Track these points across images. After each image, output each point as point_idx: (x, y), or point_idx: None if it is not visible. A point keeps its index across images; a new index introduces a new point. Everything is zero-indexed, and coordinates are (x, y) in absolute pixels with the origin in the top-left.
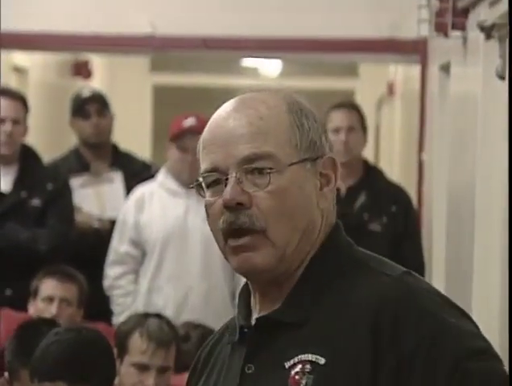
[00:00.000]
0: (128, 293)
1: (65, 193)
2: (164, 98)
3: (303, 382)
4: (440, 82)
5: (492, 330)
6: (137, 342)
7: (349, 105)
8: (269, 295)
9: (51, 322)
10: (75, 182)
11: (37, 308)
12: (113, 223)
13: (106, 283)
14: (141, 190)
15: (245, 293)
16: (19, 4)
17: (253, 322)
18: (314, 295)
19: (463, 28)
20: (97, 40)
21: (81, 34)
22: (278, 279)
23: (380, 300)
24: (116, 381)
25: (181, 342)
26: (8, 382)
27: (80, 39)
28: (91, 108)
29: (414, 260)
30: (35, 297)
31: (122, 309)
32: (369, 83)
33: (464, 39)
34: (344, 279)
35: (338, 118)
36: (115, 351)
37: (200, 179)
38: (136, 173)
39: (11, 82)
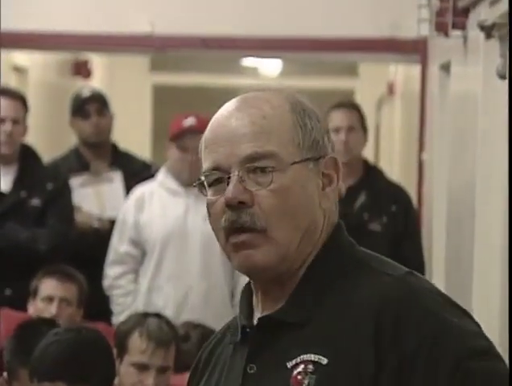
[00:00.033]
0: (128, 293)
1: (65, 193)
2: (164, 98)
3: (306, 382)
4: (441, 82)
5: (492, 329)
6: (136, 341)
7: (349, 105)
8: (271, 294)
9: (50, 322)
10: (74, 181)
11: (37, 308)
12: (112, 222)
13: (106, 283)
14: (141, 189)
15: (247, 293)
16: (19, 3)
17: (255, 321)
18: (316, 295)
19: (463, 28)
20: (96, 40)
21: (81, 34)
22: (280, 278)
23: (382, 300)
24: (115, 381)
25: (181, 342)
26: (7, 382)
27: (79, 38)
28: (91, 108)
29: (415, 259)
30: (34, 296)
31: (122, 308)
32: (369, 82)
33: (465, 39)
34: (346, 279)
35: (338, 118)
36: (115, 350)
37: (202, 178)
38: (136, 172)
39: (11, 82)
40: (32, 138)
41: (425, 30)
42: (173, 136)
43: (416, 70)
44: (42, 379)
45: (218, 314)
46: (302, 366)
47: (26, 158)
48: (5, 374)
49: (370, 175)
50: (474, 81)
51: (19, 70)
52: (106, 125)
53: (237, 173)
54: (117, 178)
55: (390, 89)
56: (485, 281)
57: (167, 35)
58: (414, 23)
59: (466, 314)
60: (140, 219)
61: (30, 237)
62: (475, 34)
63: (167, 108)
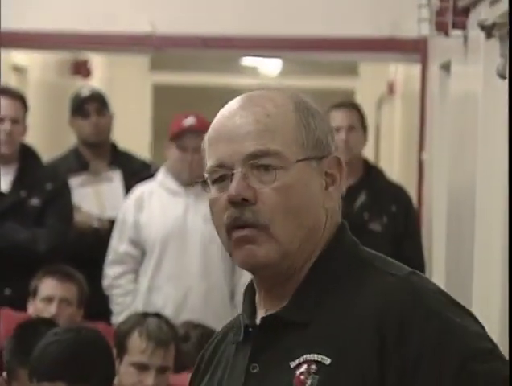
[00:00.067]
0: (127, 293)
1: (64, 192)
2: (164, 97)
3: (309, 382)
4: (441, 81)
5: (492, 329)
6: (136, 341)
7: (349, 105)
8: (274, 293)
9: (49, 322)
10: (74, 181)
11: (36, 308)
12: (112, 222)
13: (106, 282)
14: (140, 189)
15: (250, 292)
16: (19, 3)
17: (258, 321)
18: (320, 295)
19: (463, 27)
20: (96, 39)
21: (81, 33)
22: (282, 276)
23: (385, 300)
24: (115, 381)
25: (180, 342)
26: (6, 381)
27: (79, 37)
28: (90, 108)
29: (415, 259)
30: (34, 296)
31: (122, 308)
32: (369, 82)
33: (465, 38)
34: (349, 279)
35: (338, 117)
36: (114, 350)
37: (206, 175)
38: (135, 172)
39: (10, 81)
40: (32, 138)
41: (425, 29)
42: (173, 135)
43: (416, 70)
44: (41, 379)
45: (218, 314)
46: (305, 366)
47: (25, 157)
48: (4, 374)
49: (370, 175)
50: (474, 81)
51: (19, 69)
52: (106, 124)
53: (240, 170)
54: (116, 178)
55: (390, 89)
56: (485, 281)
57: (167, 35)
58: (415, 23)
59: (469, 314)
60: (140, 219)
61: (30, 237)
62: (475, 34)
63: (166, 107)
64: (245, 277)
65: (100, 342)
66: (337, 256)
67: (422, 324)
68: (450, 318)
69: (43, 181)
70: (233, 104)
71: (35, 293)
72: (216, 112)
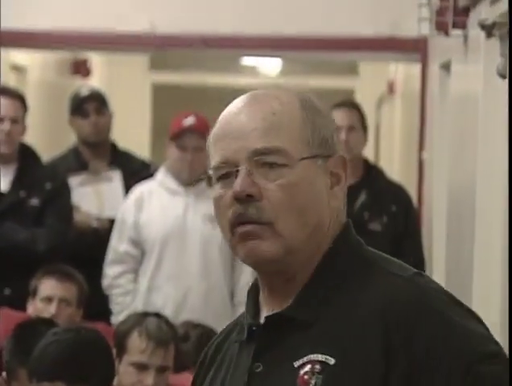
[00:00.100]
0: (127, 293)
1: (64, 192)
2: (163, 97)
3: (313, 382)
4: (441, 81)
5: (492, 329)
6: (136, 341)
7: (349, 104)
8: (278, 292)
9: (49, 322)
10: (73, 181)
11: (36, 308)
12: (112, 222)
13: (105, 282)
14: (140, 189)
15: (254, 291)
16: (19, 2)
17: (261, 320)
18: (324, 294)
19: (463, 27)
20: (96, 38)
21: (80, 33)
22: (286, 273)
23: (391, 301)
24: (115, 381)
25: (180, 342)
26: (6, 381)
27: (79, 37)
28: (89, 107)
29: (415, 258)
30: (34, 296)
31: (121, 308)
32: (369, 81)
33: (465, 38)
34: (354, 279)
35: (338, 117)
36: (114, 350)
37: (211, 172)
38: (135, 172)
39: (10, 81)
40: (31, 138)
41: (425, 29)
42: (173, 135)
43: (416, 69)
44: (41, 379)
45: (217, 314)
46: (309, 366)
47: (25, 157)
48: (4, 374)
49: (371, 175)
50: (474, 80)
51: (18, 69)
52: (105, 124)
53: (245, 167)
54: (116, 178)
55: (391, 88)
56: (485, 279)
57: (167, 34)
58: (415, 22)
59: (474, 316)
60: (139, 219)
61: (29, 237)
62: (475, 34)
63: (166, 107)
64: (245, 276)
65: (99, 342)
66: (343, 254)
67: (427, 326)
68: (455, 320)
69: (42, 181)
70: (239, 102)
71: (34, 292)
72: (216, 111)
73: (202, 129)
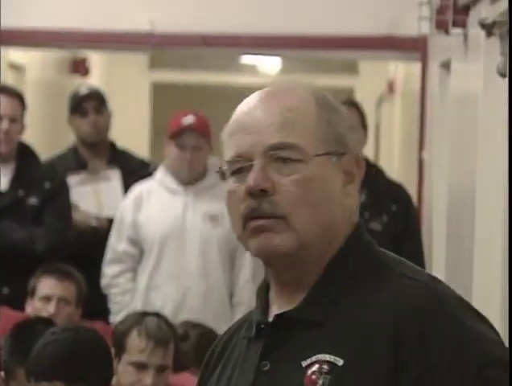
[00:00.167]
0: (126, 292)
1: (62, 191)
2: (163, 95)
3: (320, 382)
4: (441, 80)
5: None
6: (135, 340)
7: (349, 103)
8: (288, 289)
9: (47, 321)
10: (72, 180)
11: (35, 307)
12: (110, 221)
13: (104, 281)
14: (139, 188)
15: (264, 288)
16: (18, 1)
17: (270, 317)
18: (335, 295)
19: (464, 25)
20: (95, 37)
21: (80, 31)
22: (299, 269)
23: (402, 303)
24: (113, 380)
25: (179, 342)
26: (4, 381)
27: (78, 35)
28: (88, 106)
29: (415, 258)
30: (32, 296)
31: (120, 307)
32: (369, 80)
33: (465, 37)
34: (366, 280)
35: None
36: (113, 350)
37: (224, 167)
38: (134, 171)
39: (8, 79)
40: (30, 136)
41: (425, 27)
42: (172, 134)
43: (416, 68)
44: (39, 378)
45: (217, 314)
46: (317, 365)
47: (23, 156)
48: (2, 373)
49: (370, 174)
50: (474, 79)
51: (16, 68)
52: (104, 123)
53: (259, 161)
54: (115, 177)
55: (390, 87)
56: (485, 279)
57: (166, 33)
58: (415, 21)
59: (485, 321)
60: (138, 218)
61: (28, 237)
62: (475, 32)
63: (165, 106)
64: (245, 275)
65: (98, 341)
66: (356, 254)
67: (440, 329)
68: (467, 324)
69: (41, 180)
70: (254, 97)
71: (33, 292)
72: (216, 109)
73: (201, 128)
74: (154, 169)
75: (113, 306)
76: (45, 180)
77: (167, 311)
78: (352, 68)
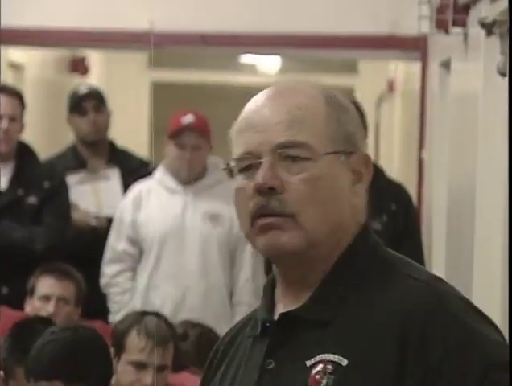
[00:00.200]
0: (125, 291)
1: (62, 191)
2: (162, 95)
3: (324, 382)
4: (441, 79)
5: None
6: (134, 340)
7: None
8: (295, 287)
9: (47, 321)
10: (71, 179)
11: (34, 306)
12: (110, 220)
13: (103, 281)
14: (138, 187)
15: (270, 286)
16: (17, 0)
17: (276, 316)
18: (343, 293)
19: (464, 25)
20: (95, 36)
21: (79, 30)
22: (307, 267)
23: (408, 304)
24: (113, 380)
25: (179, 341)
26: (3, 380)
27: (78, 34)
28: (88, 105)
29: (414, 257)
30: (31, 295)
31: (119, 307)
32: (369, 80)
33: (465, 36)
34: (371, 280)
35: None
36: (112, 349)
37: (232, 164)
38: (133, 170)
39: (7, 78)
40: (29, 136)
41: (425, 27)
42: (171, 133)
43: (416, 67)
44: (38, 378)
45: (216, 313)
46: (321, 365)
47: (22, 155)
48: (1, 372)
49: None
50: (474, 79)
51: (16, 67)
52: (103, 122)
53: (268, 159)
54: (114, 176)
55: (390, 87)
56: (485, 279)
57: (166, 32)
58: (415, 20)
59: (490, 323)
60: (138, 218)
61: (27, 236)
62: (475, 32)
63: (165, 105)
64: (245, 274)
65: (97, 340)
66: (363, 254)
67: (444, 330)
68: (472, 325)
69: (40, 179)
70: (263, 95)
71: (32, 291)
72: (216, 109)
73: (201, 128)
74: (154, 168)
75: (112, 306)
76: (44, 179)
77: (167, 311)
78: (352, 68)
